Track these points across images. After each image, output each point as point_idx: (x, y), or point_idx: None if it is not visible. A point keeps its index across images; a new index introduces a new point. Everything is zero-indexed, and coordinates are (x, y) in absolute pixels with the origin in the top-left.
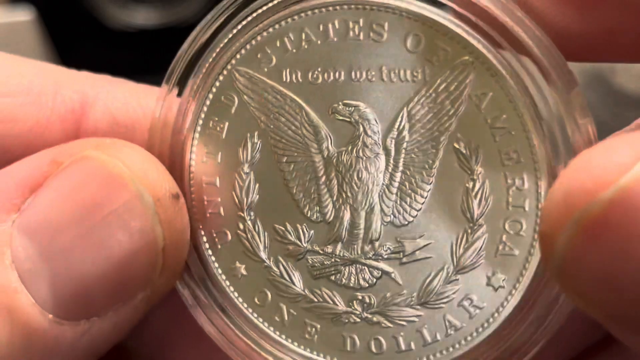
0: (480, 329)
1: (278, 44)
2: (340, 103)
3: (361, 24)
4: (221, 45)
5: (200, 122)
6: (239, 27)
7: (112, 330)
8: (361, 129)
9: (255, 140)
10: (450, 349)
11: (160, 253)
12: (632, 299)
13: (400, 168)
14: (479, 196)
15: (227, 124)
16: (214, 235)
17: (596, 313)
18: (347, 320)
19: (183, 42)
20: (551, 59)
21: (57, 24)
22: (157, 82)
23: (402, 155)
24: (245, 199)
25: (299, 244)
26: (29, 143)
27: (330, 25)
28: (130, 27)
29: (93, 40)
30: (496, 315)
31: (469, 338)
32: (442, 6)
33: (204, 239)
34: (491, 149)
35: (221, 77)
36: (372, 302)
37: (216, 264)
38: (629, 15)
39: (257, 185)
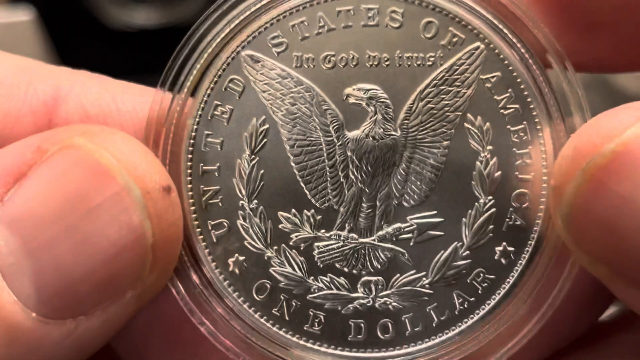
0: (490, 302)
1: (291, 29)
2: (354, 87)
3: (378, 10)
4: (230, 29)
5: (203, 108)
6: (249, 12)
7: (100, 329)
8: (375, 111)
9: (262, 126)
10: (462, 324)
11: (150, 249)
12: (632, 246)
13: (413, 150)
14: (489, 173)
15: (232, 109)
16: (211, 227)
17: (601, 269)
18: (357, 306)
19: None
20: (553, 45)
21: (57, 24)
22: (156, 82)
23: (415, 137)
24: (248, 187)
25: (306, 231)
26: (0, 135)
27: (346, 12)
28: (130, 27)
29: (93, 40)
30: (505, 286)
31: (478, 312)
32: None
33: (200, 231)
34: (500, 127)
35: (228, 62)
36: (383, 285)
37: (212, 258)
38: (604, 15)
39: (261, 172)
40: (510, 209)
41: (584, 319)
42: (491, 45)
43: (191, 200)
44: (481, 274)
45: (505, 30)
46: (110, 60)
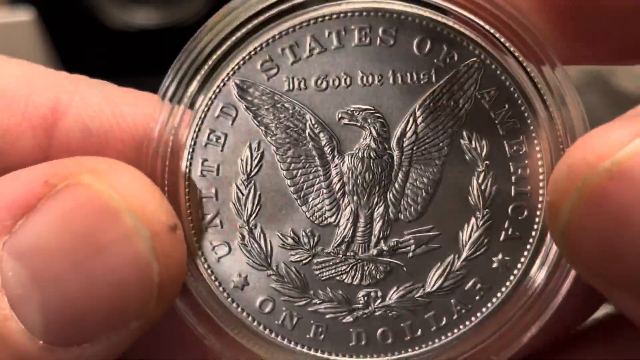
0: (486, 309)
1: (281, 53)
2: (347, 108)
3: (369, 29)
4: (218, 55)
5: (198, 134)
6: (239, 36)
7: (104, 354)
8: (369, 131)
9: (257, 151)
10: (460, 328)
11: (156, 287)
12: (630, 263)
13: (409, 166)
14: (485, 187)
15: (226, 135)
16: (213, 248)
17: (598, 281)
18: (356, 316)
19: (183, 42)
20: (551, 57)
21: (57, 24)
22: (156, 83)
23: (411, 154)
24: (246, 210)
25: (305, 248)
26: (1, 150)
27: (337, 33)
28: (130, 27)
29: (93, 40)
30: (501, 294)
31: (473, 319)
32: (449, 11)
33: (202, 253)
34: (497, 142)
35: (222, 88)
36: (382, 295)
37: (214, 278)
38: (607, 22)
39: (258, 195)
40: (507, 221)
41: (580, 315)
42: (487, 61)
43: (191, 225)
44: (478, 283)
45: (501, 44)
46: (110, 60)
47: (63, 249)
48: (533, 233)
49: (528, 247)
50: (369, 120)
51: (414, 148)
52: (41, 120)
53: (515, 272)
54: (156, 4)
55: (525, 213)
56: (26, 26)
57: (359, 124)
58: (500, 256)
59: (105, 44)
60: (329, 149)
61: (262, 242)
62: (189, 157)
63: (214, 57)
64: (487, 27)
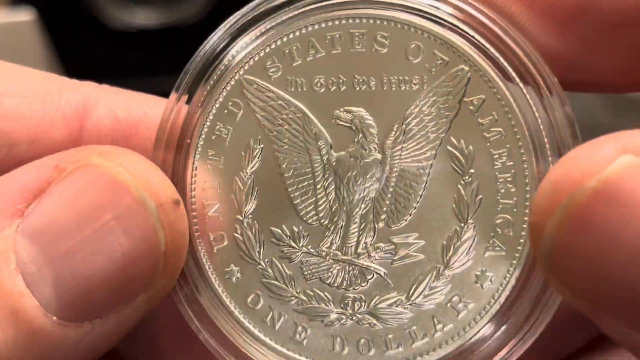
0: (467, 328)
1: (285, 55)
2: (341, 109)
3: (365, 36)
4: (231, 55)
5: (206, 128)
6: (248, 38)
7: (113, 330)
8: (360, 134)
9: (258, 146)
10: (437, 349)
11: (162, 256)
12: (618, 285)
13: (396, 171)
14: (470, 197)
15: (231, 130)
16: (211, 238)
17: (583, 304)
18: (337, 322)
19: (183, 42)
20: (540, 67)
21: (57, 24)
22: (157, 83)
23: (399, 159)
24: (244, 203)
25: (294, 245)
26: (35, 138)
27: (335, 37)
28: (131, 27)
29: (93, 40)
30: (483, 313)
31: (455, 337)
32: (441, 19)
33: (201, 241)
34: (483, 151)
35: (230, 86)
36: (363, 302)
37: (210, 267)
38: (603, 31)
39: (256, 189)
40: (492, 234)
41: (574, 337)
42: (475, 68)
43: (194, 213)
44: (460, 299)
45: (490, 53)
46: (110, 60)
47: (73, 225)
48: (518, 249)
49: (513, 263)
50: (360, 123)
51: (402, 152)
52: (73, 110)
53: (499, 290)
54: (156, 4)
55: (511, 226)
56: (26, 26)
57: (350, 126)
58: (482, 271)
59: (105, 44)
60: (323, 149)
61: (255, 235)
62: (197, 148)
63: (224, 56)
64: (477, 37)
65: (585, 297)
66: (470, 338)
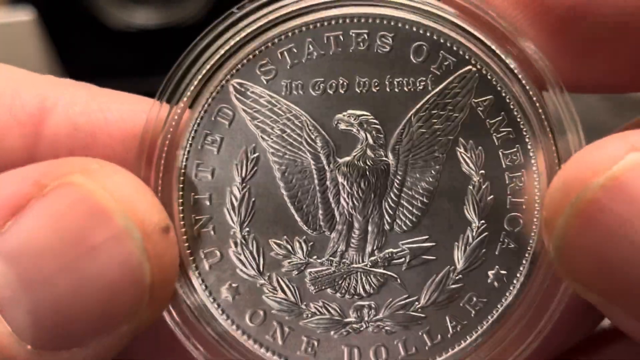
0: (483, 325)
1: (280, 56)
2: (344, 113)
3: (367, 35)
4: (218, 57)
5: (193, 137)
6: (238, 40)
7: (95, 358)
8: (365, 138)
9: (252, 155)
10: (455, 347)
11: (147, 289)
12: (625, 278)
13: (404, 174)
14: (480, 197)
15: (222, 138)
16: (203, 255)
17: (593, 297)
18: (349, 331)
19: (183, 42)
20: (544, 66)
21: (57, 24)
22: (157, 83)
23: (407, 162)
24: (239, 215)
25: (298, 257)
26: None
27: (334, 38)
28: (130, 27)
29: (93, 40)
30: (498, 309)
31: (471, 335)
32: (446, 18)
33: (193, 260)
34: (493, 151)
35: (217, 91)
36: (376, 309)
37: (205, 286)
38: (601, 34)
39: (252, 200)
40: (503, 232)
41: (578, 330)
42: (483, 69)
43: (183, 230)
44: (474, 298)
45: (497, 53)
46: (110, 60)
47: (53, 250)
48: (530, 246)
49: (524, 260)
50: (365, 127)
51: (410, 155)
52: (28, 117)
53: (512, 287)
54: (156, 4)
55: (522, 225)
56: (26, 26)
57: (355, 130)
58: (496, 269)
59: (105, 44)
60: (325, 155)
61: (254, 250)
62: (184, 159)
63: (214, 59)
64: (482, 37)
65: (596, 291)
66: (486, 335)
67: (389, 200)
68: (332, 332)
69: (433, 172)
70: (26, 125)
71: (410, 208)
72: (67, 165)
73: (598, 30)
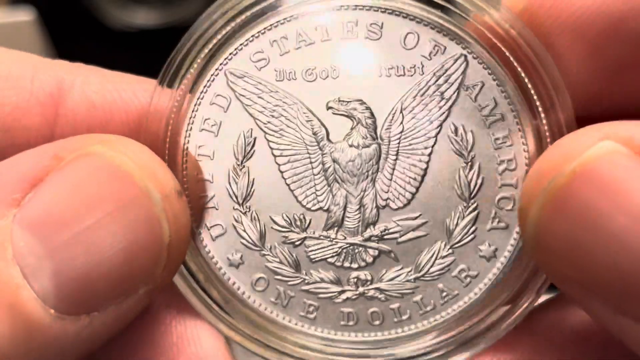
0: (473, 296)
1: (271, 45)
2: (336, 99)
3: (356, 23)
4: (215, 44)
5: (193, 120)
6: (233, 26)
7: (112, 323)
8: (357, 121)
9: (249, 138)
10: (446, 314)
11: (166, 248)
12: (598, 266)
13: (396, 155)
14: (471, 178)
15: (220, 122)
16: (209, 228)
17: (570, 289)
18: (347, 299)
19: None
20: (539, 54)
21: (57, 24)
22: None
23: (398, 144)
24: (240, 193)
25: (297, 231)
26: (9, 127)
27: (324, 27)
28: (130, 27)
29: (93, 40)
30: (488, 281)
31: (461, 304)
32: (437, 5)
33: (200, 232)
34: (483, 134)
35: (215, 77)
36: (370, 279)
37: (212, 255)
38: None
39: (252, 179)
40: (494, 211)
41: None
42: (473, 54)
43: (190, 205)
44: (465, 270)
45: (487, 37)
46: (110, 60)
47: (73, 215)
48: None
49: (515, 237)
50: (357, 110)
51: (401, 138)
52: (48, 96)
53: (503, 260)
54: (156, 4)
55: (512, 204)
56: (26, 26)
57: (346, 114)
58: (487, 245)
59: (105, 44)
60: (319, 137)
61: (255, 224)
62: (186, 141)
63: (208, 47)
64: (475, 23)
65: (570, 281)
66: (476, 304)
67: (382, 180)
68: (329, 299)
69: (424, 153)
70: (46, 105)
71: (403, 187)
72: (85, 139)
73: (635, 48)
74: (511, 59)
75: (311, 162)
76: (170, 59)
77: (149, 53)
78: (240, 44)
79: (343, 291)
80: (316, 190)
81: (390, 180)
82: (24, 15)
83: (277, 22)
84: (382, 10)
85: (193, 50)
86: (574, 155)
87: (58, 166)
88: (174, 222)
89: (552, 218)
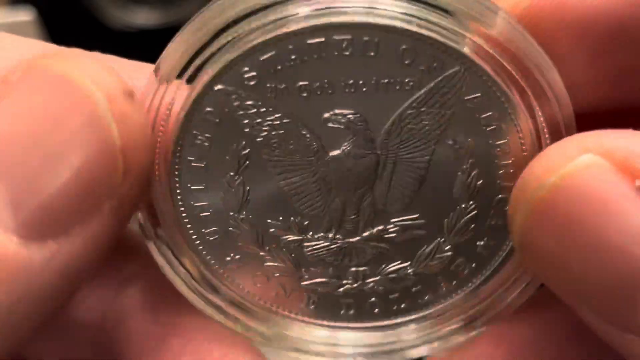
0: (471, 284)
1: (263, 63)
2: (332, 112)
3: (351, 41)
4: (199, 63)
5: (184, 133)
6: (219, 46)
7: (84, 249)
8: (354, 133)
9: (243, 151)
10: (442, 301)
11: (119, 153)
12: (580, 277)
13: (393, 165)
14: (470, 183)
15: (211, 135)
16: (205, 232)
17: (555, 291)
18: (346, 293)
19: None
20: (539, 63)
21: (57, 24)
22: None
23: (396, 154)
24: (236, 202)
25: (294, 234)
26: None
27: (318, 43)
28: (130, 27)
29: (93, 40)
30: (486, 270)
31: (459, 291)
32: (434, 20)
33: (195, 237)
34: (483, 141)
35: (204, 93)
36: (369, 273)
37: (209, 257)
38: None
39: (247, 189)
40: (492, 211)
41: None
42: (472, 66)
43: (184, 215)
44: (463, 263)
45: (486, 48)
46: None
47: (21, 131)
48: None
49: None
50: (354, 122)
51: (399, 148)
52: None
53: (501, 252)
54: (156, 4)
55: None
56: (26, 26)
57: (343, 127)
58: (485, 241)
59: (105, 44)
60: (315, 148)
61: (252, 228)
62: (176, 156)
63: (197, 61)
64: (473, 37)
65: (556, 288)
66: (475, 288)
67: (380, 188)
68: (328, 292)
69: (422, 163)
70: None
71: (401, 194)
72: (32, 58)
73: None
74: (510, 69)
75: (307, 173)
76: (157, 64)
77: (149, 53)
78: (230, 62)
79: (342, 285)
80: (313, 199)
81: (389, 187)
82: (24, 15)
83: (271, 38)
84: (378, 29)
85: (180, 64)
86: (554, 168)
87: (5, 90)
88: (123, 124)
89: (534, 228)
